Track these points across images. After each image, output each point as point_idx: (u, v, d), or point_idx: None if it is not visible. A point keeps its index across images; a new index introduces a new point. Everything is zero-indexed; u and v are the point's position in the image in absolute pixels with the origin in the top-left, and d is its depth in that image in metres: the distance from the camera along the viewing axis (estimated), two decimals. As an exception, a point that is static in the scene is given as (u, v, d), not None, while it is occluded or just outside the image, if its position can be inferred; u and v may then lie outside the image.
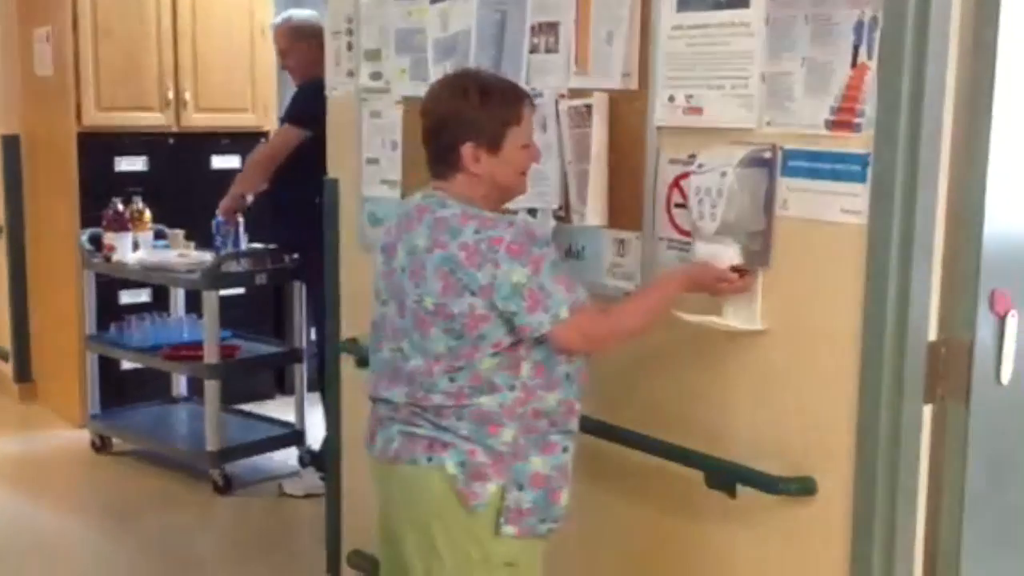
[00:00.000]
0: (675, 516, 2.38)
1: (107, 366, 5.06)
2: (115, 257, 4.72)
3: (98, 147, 5.16)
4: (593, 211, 2.48)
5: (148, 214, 4.85)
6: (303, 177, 4.05)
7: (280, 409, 5.12)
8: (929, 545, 2.00)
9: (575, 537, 2.67)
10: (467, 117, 2.13)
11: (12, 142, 5.63)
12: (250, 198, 4.53)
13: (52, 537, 4.07)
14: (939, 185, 1.92)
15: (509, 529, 2.11)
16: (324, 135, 3.53)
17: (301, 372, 4.76)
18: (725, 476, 2.19)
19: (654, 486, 2.42)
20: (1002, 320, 1.96)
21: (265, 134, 5.38)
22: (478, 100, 2.13)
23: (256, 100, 5.48)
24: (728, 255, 2.12)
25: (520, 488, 2.10)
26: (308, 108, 4.26)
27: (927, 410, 1.97)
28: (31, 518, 4.24)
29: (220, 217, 4.54)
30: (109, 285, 5.07)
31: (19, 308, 5.74)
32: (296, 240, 4.43)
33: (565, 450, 2.16)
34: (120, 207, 4.77)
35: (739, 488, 2.17)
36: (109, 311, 5.05)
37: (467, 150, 2.13)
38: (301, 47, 4.36)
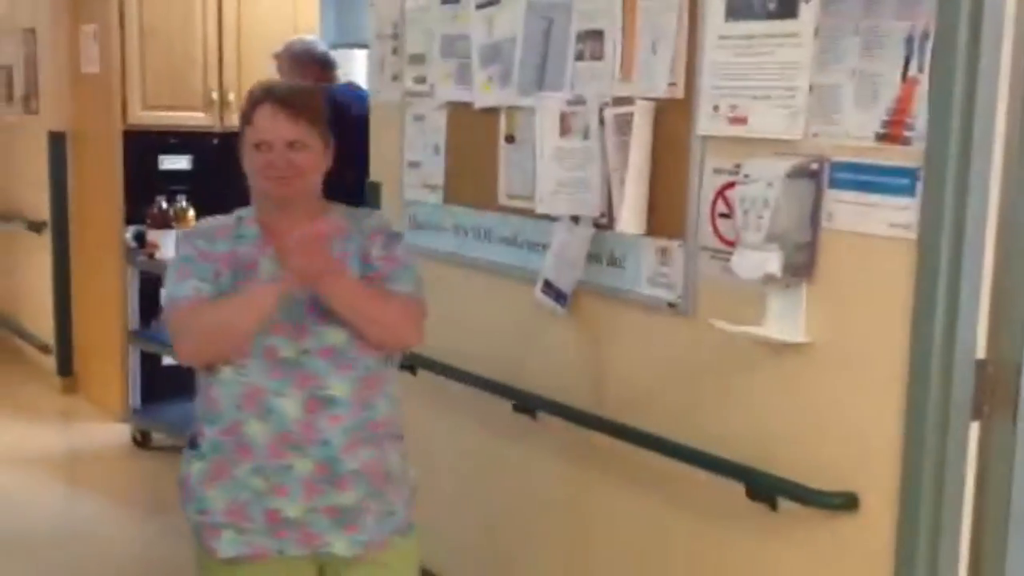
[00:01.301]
0: (715, 527, 2.37)
1: (148, 362, 5.12)
2: (158, 255, 4.77)
3: (143, 145, 5.21)
4: (628, 220, 2.46)
5: (192, 213, 4.90)
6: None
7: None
8: (973, 563, 1.98)
9: (616, 545, 2.67)
10: None
11: (59, 138, 5.71)
12: None
13: (92, 529, 4.12)
14: (990, 201, 1.90)
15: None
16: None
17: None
18: (766, 488, 2.18)
19: (695, 497, 2.41)
20: (1052, 338, 1.94)
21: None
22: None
23: (298, 102, 5.51)
24: (767, 263, 2.11)
25: None
26: None
27: (974, 427, 1.94)
28: (72, 510, 4.31)
29: None
30: (151, 282, 5.11)
31: (62, 302, 5.82)
32: None
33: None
34: (164, 205, 4.83)
35: (780, 501, 2.16)
36: (151, 307, 5.09)
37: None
38: (298, 75, 4.44)
